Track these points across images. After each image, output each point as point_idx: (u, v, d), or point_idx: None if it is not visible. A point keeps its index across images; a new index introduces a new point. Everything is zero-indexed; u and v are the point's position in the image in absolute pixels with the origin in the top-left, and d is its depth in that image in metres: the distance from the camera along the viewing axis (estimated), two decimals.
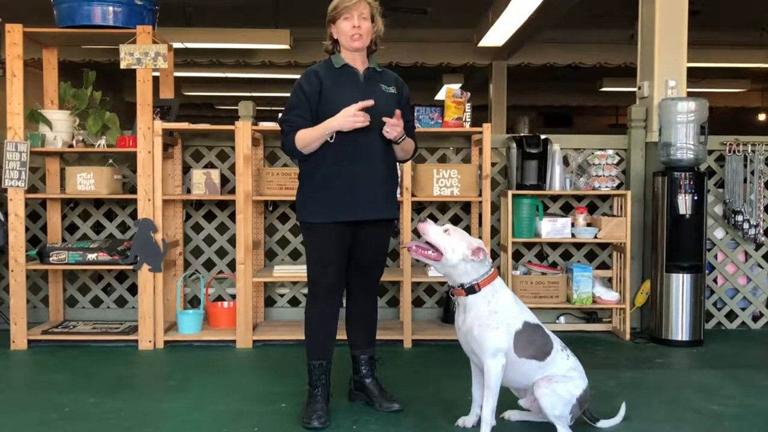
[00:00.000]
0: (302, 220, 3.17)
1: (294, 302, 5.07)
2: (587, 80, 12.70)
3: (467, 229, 5.02)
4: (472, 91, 5.71)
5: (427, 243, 2.89)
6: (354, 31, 3.06)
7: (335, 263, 3.12)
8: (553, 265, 5.01)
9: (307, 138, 3.06)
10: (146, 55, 4.33)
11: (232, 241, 4.81)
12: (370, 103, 2.99)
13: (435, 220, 5.04)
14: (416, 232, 4.91)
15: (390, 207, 3.21)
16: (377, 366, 3.37)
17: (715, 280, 5.01)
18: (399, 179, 3.39)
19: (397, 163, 3.35)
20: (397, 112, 3.06)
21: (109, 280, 5.03)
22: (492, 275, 2.91)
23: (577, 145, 5.01)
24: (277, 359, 4.18)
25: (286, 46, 8.80)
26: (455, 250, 2.85)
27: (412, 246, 2.91)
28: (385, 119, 3.03)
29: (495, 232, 4.93)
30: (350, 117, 2.97)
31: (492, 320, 2.85)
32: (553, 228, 4.68)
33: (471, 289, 2.88)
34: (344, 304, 3.34)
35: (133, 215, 4.80)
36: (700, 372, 3.98)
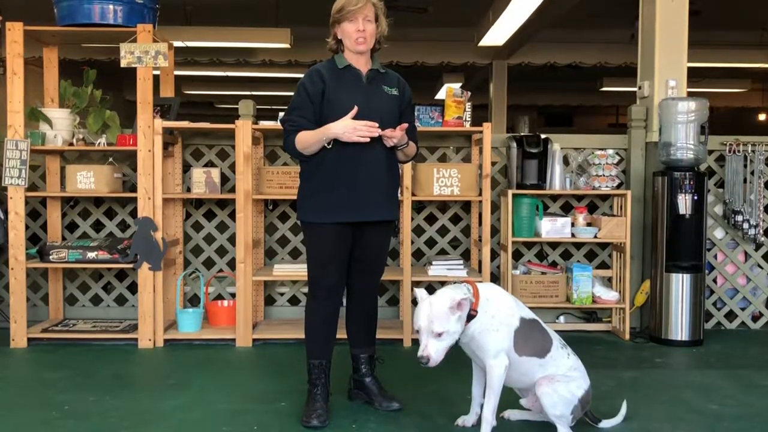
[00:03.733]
0: (303, 219, 3.17)
1: (294, 301, 5.07)
2: (587, 80, 12.70)
3: (467, 228, 5.03)
4: (473, 90, 5.71)
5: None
6: (358, 35, 3.06)
7: (335, 263, 3.12)
8: (553, 264, 5.01)
9: (307, 141, 3.05)
10: (147, 54, 4.33)
11: (232, 239, 4.82)
12: (374, 125, 2.97)
13: (434, 220, 5.04)
14: (416, 231, 4.92)
15: (390, 208, 3.20)
16: (377, 365, 3.38)
17: (714, 280, 5.01)
18: (400, 179, 3.38)
19: (399, 165, 3.35)
20: (403, 125, 3.05)
21: (109, 278, 5.04)
22: (475, 293, 2.84)
23: (578, 144, 5.01)
24: (277, 358, 4.19)
25: (287, 45, 8.80)
26: (452, 332, 2.74)
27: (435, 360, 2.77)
28: (380, 133, 3.00)
29: (495, 231, 4.93)
30: (351, 129, 2.95)
31: (491, 324, 2.84)
32: (553, 227, 4.68)
33: (470, 317, 2.82)
34: (344, 303, 3.34)
35: (133, 214, 4.80)
36: (699, 372, 3.98)
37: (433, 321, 2.70)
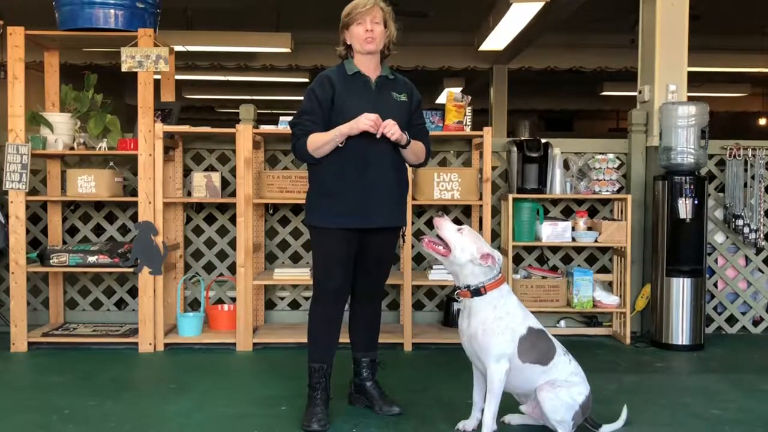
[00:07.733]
0: (310, 222, 3.17)
1: (294, 305, 5.07)
2: (588, 84, 12.71)
3: None
4: (473, 94, 5.70)
5: (439, 238, 2.91)
6: (367, 35, 3.08)
7: (341, 267, 3.12)
8: (554, 268, 5.01)
9: (319, 141, 3.06)
10: (147, 58, 4.34)
11: (233, 243, 4.82)
12: (377, 119, 2.98)
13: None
14: (416, 236, 4.91)
15: (398, 215, 3.21)
16: (378, 369, 3.38)
17: (715, 285, 5.01)
18: (408, 186, 3.37)
19: (407, 171, 3.33)
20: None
21: (110, 282, 5.03)
22: (500, 280, 2.91)
23: (578, 149, 5.01)
24: (278, 362, 4.18)
25: (287, 50, 8.79)
26: (464, 249, 2.86)
27: (424, 239, 2.94)
28: (382, 130, 3.00)
29: (495, 235, 4.93)
30: (358, 119, 2.96)
31: (497, 325, 2.85)
32: (553, 232, 4.68)
33: (477, 292, 2.88)
34: (347, 307, 3.34)
35: (134, 218, 4.80)
36: (700, 376, 3.98)
37: (467, 227, 2.92)
